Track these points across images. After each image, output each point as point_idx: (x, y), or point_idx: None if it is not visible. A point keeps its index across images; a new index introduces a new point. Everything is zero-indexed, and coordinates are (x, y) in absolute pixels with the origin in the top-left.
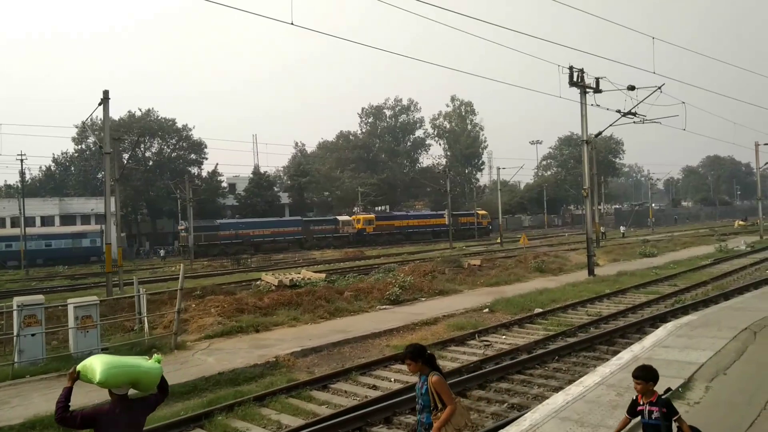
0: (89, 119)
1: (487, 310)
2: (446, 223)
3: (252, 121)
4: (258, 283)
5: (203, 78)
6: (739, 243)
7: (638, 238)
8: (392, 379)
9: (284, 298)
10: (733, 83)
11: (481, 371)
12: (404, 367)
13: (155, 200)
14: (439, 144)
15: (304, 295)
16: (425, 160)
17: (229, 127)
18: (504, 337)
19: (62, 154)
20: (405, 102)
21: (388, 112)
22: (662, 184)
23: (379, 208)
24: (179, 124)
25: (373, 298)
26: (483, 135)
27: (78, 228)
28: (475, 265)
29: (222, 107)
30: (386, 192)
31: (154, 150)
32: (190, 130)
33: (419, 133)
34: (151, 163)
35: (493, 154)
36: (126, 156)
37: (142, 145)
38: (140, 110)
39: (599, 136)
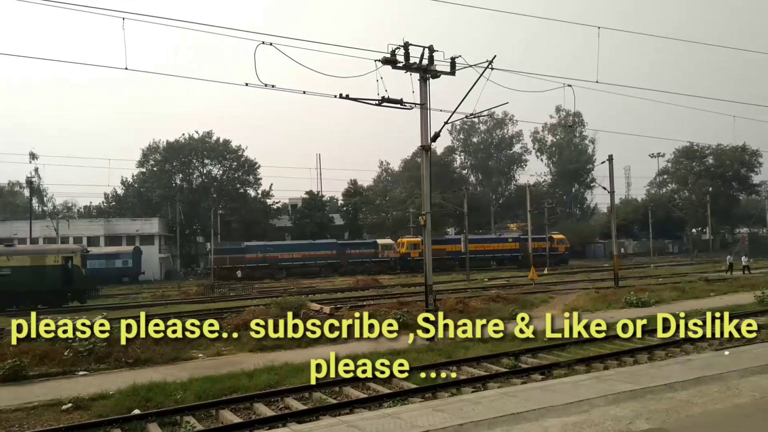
0: (153, 142)
1: None
2: (517, 248)
3: (326, 143)
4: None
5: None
6: None
7: (705, 276)
8: None
9: None
10: None
11: None
12: None
13: (206, 221)
14: (541, 159)
15: None
16: (523, 178)
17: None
18: None
19: (133, 176)
20: (499, 115)
21: (482, 127)
22: None
23: (451, 230)
24: (233, 145)
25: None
26: (592, 148)
27: (112, 249)
28: (324, 312)
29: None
30: (457, 214)
31: (206, 171)
32: (244, 150)
33: (517, 147)
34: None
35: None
36: (178, 178)
37: (198, 167)
38: (197, 132)
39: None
